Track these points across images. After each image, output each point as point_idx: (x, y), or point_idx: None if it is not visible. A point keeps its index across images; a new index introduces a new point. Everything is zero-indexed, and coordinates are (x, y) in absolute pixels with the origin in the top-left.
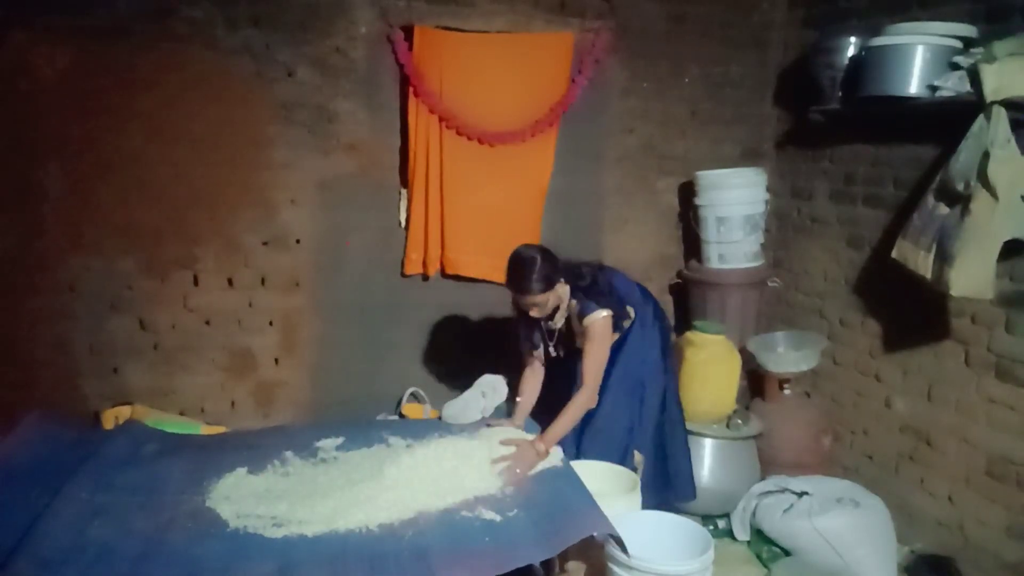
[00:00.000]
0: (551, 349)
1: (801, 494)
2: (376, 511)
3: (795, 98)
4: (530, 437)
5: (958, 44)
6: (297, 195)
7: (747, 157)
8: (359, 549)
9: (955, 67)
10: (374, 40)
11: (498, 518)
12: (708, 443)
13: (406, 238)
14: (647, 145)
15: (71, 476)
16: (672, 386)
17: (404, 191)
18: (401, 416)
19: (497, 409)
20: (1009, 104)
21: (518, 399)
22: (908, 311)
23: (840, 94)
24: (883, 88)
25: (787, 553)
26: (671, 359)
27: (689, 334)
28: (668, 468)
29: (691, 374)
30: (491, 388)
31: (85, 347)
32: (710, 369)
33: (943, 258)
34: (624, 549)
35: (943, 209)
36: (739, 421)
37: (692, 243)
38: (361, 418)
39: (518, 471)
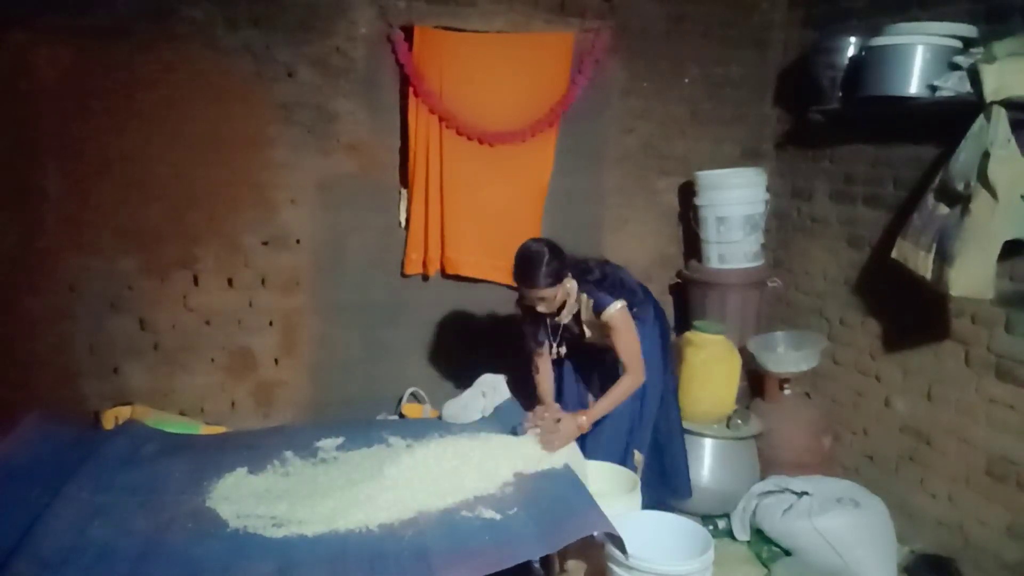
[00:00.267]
0: (554, 348)
1: (801, 494)
2: (376, 511)
3: (795, 98)
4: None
5: (958, 44)
6: (297, 195)
7: (747, 157)
8: (359, 549)
9: (955, 67)
10: (374, 40)
11: (498, 516)
12: (708, 443)
13: (406, 238)
14: (647, 145)
15: (71, 476)
16: (671, 385)
17: (404, 191)
18: (401, 416)
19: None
20: (1009, 104)
21: (541, 389)
22: (908, 311)
23: (840, 94)
24: (883, 88)
25: (787, 553)
26: (670, 358)
27: (689, 334)
28: (665, 466)
29: (691, 374)
30: (491, 388)
31: (85, 347)
32: (710, 369)
33: (943, 258)
34: (623, 549)
35: (943, 209)
36: (739, 421)
37: (692, 243)
38: (361, 418)
39: (556, 442)
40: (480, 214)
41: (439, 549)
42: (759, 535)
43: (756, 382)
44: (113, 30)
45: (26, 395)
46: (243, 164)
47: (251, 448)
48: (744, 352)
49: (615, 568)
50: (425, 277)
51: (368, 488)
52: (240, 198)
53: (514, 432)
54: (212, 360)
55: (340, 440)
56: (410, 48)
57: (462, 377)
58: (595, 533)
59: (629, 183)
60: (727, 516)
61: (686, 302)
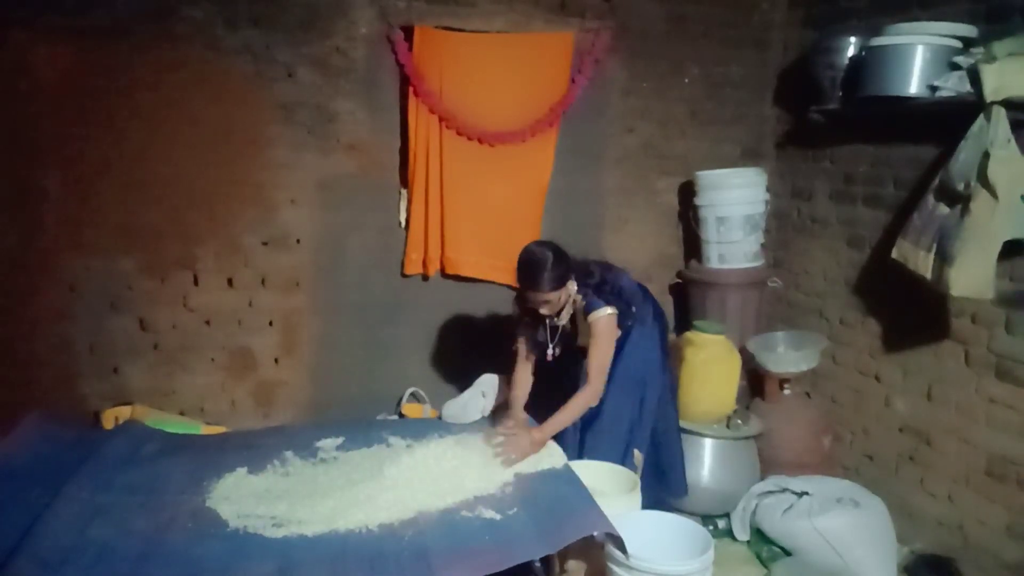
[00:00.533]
0: (551, 349)
1: (801, 494)
2: (376, 511)
3: (795, 98)
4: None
5: (958, 44)
6: (297, 195)
7: (747, 157)
8: (359, 549)
9: (955, 67)
10: (374, 40)
11: (498, 516)
12: (708, 443)
13: (406, 238)
14: (647, 145)
15: (71, 476)
16: (669, 384)
17: (404, 191)
18: (401, 416)
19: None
20: (1009, 104)
21: (514, 394)
22: (908, 311)
23: (840, 94)
24: (883, 88)
25: (787, 553)
26: (669, 358)
27: (689, 334)
28: (662, 465)
29: (691, 374)
30: (491, 388)
31: (85, 347)
32: (710, 369)
33: (943, 258)
34: (623, 549)
35: (943, 209)
36: (739, 421)
37: (692, 243)
38: (361, 418)
39: (513, 456)
40: (480, 214)
41: (439, 549)
42: (759, 535)
43: (756, 382)
44: (113, 30)
45: (26, 395)
46: (243, 164)
47: (251, 448)
48: (744, 352)
49: (615, 568)
50: (425, 277)
51: (368, 488)
52: (240, 198)
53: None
54: (212, 360)
55: (340, 440)
56: (410, 48)
57: (462, 377)
58: (595, 533)
59: (629, 183)
60: (727, 516)
61: (686, 302)
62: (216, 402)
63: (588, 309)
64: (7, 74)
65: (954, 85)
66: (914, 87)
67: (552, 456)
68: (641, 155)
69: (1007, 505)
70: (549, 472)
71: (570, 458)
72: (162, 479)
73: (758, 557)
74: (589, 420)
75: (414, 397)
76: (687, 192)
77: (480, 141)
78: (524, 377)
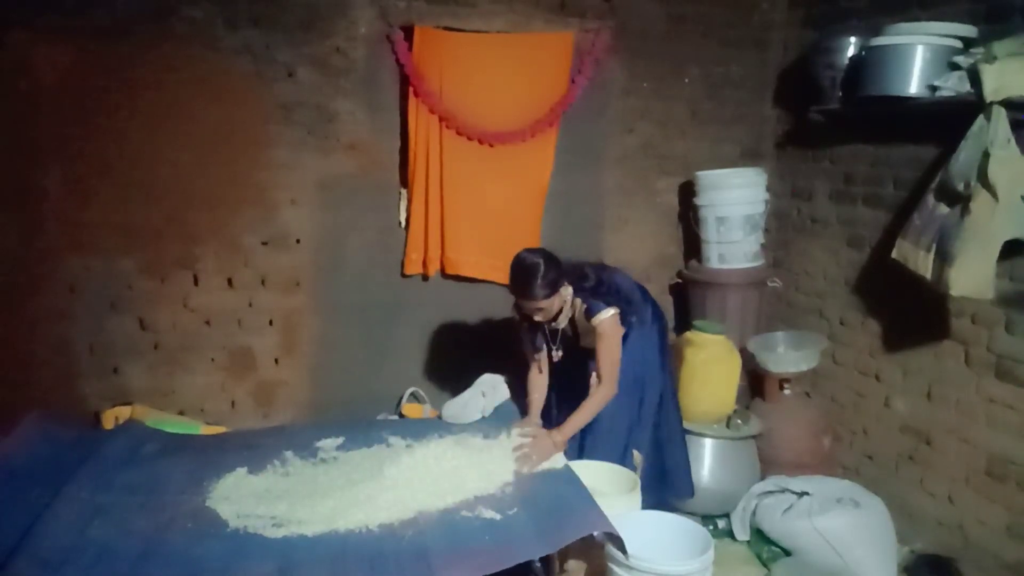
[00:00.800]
0: (553, 352)
1: (801, 494)
2: (376, 511)
3: (795, 98)
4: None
5: (958, 44)
6: (297, 195)
7: (747, 157)
8: (359, 549)
9: (955, 67)
10: (374, 40)
11: (498, 516)
12: (708, 443)
13: (406, 238)
14: (647, 145)
15: (71, 476)
16: (669, 385)
17: (404, 191)
18: (401, 416)
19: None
20: (1009, 104)
21: (531, 398)
22: (908, 311)
23: (840, 94)
24: (883, 88)
25: (787, 553)
26: (669, 358)
27: (689, 334)
28: (666, 466)
29: (691, 374)
30: (491, 388)
31: (85, 347)
32: (710, 369)
33: (943, 258)
34: (623, 549)
35: (943, 209)
36: (739, 421)
37: (692, 243)
38: (361, 418)
39: (534, 458)
40: (480, 214)
41: (439, 549)
42: (759, 535)
43: (756, 382)
44: (113, 30)
45: (26, 395)
46: (243, 164)
47: (251, 448)
48: (744, 352)
49: (615, 568)
50: (425, 277)
51: (368, 488)
52: (240, 198)
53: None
54: (212, 360)
55: (340, 440)
56: (410, 48)
57: (462, 377)
58: (595, 533)
59: (629, 183)
60: (727, 516)
61: (686, 302)
62: (216, 402)
63: (590, 313)
64: (7, 74)
65: (954, 85)
66: (914, 87)
67: (552, 458)
68: (641, 155)
69: (1007, 505)
70: (549, 472)
71: (569, 458)
72: (162, 479)
73: (758, 557)
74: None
75: (414, 397)
76: (687, 192)
77: (480, 141)
78: (539, 381)
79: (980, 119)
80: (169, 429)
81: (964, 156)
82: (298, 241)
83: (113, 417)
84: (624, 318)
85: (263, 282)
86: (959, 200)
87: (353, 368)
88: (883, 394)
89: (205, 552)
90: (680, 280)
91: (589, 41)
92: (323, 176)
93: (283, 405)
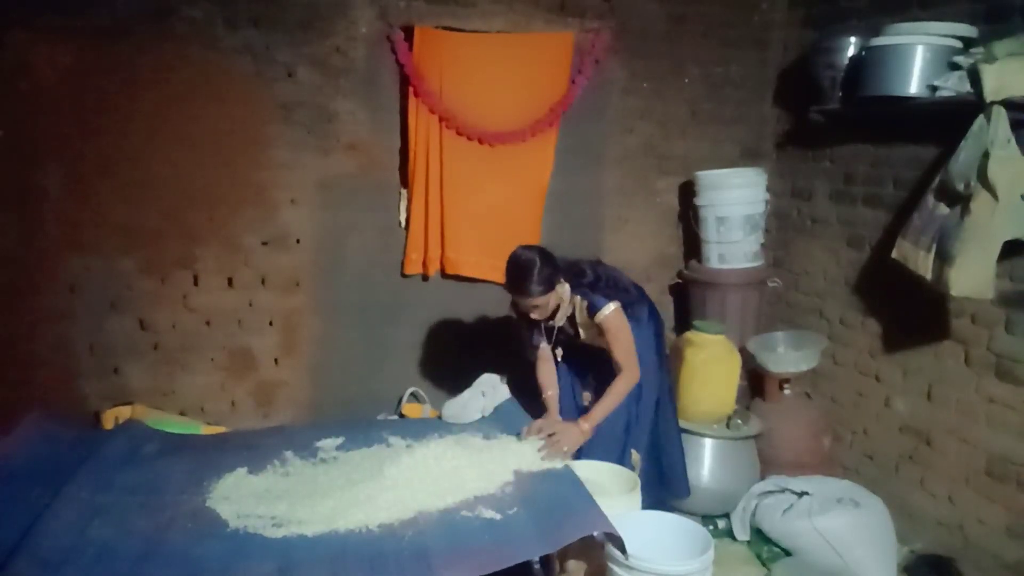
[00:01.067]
0: (551, 350)
1: (801, 494)
2: (376, 511)
3: (795, 98)
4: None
5: (958, 44)
6: (297, 195)
7: (747, 157)
8: (359, 549)
9: (955, 67)
10: (374, 40)
11: (498, 516)
12: (708, 443)
13: (406, 238)
14: (647, 145)
15: (71, 476)
16: (666, 385)
17: (404, 191)
18: (401, 416)
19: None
20: (1009, 104)
21: (547, 395)
22: (908, 311)
23: (840, 94)
24: (883, 88)
25: (787, 553)
26: (665, 358)
27: (689, 334)
28: (663, 466)
29: (691, 374)
30: (491, 387)
31: (85, 347)
32: (710, 369)
33: (943, 258)
34: (623, 549)
35: (943, 209)
36: (739, 421)
37: (692, 243)
38: (361, 418)
39: (565, 449)
40: (480, 214)
41: (439, 549)
42: (759, 535)
43: (756, 382)
44: (113, 30)
45: (26, 395)
46: (243, 164)
47: (251, 448)
48: (744, 352)
49: (615, 568)
50: (425, 277)
51: (368, 488)
52: (240, 198)
53: (517, 436)
54: (212, 360)
55: (340, 440)
56: (410, 48)
57: (462, 377)
58: (595, 533)
59: (629, 183)
60: (727, 516)
61: (686, 302)
62: (216, 402)
63: (592, 310)
64: (7, 74)
65: (954, 85)
66: (914, 87)
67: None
68: (641, 155)
69: (1007, 505)
70: (549, 472)
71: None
72: (162, 479)
73: (758, 557)
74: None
75: (414, 397)
76: (687, 192)
77: (480, 141)
78: (550, 376)
79: (980, 119)
80: (169, 429)
81: (964, 156)
82: (298, 241)
83: (113, 417)
84: (627, 310)
85: (263, 282)
86: (959, 200)
87: (353, 368)
88: (883, 394)
89: (205, 552)
90: (680, 280)
91: (589, 41)
92: (323, 176)
93: (283, 405)
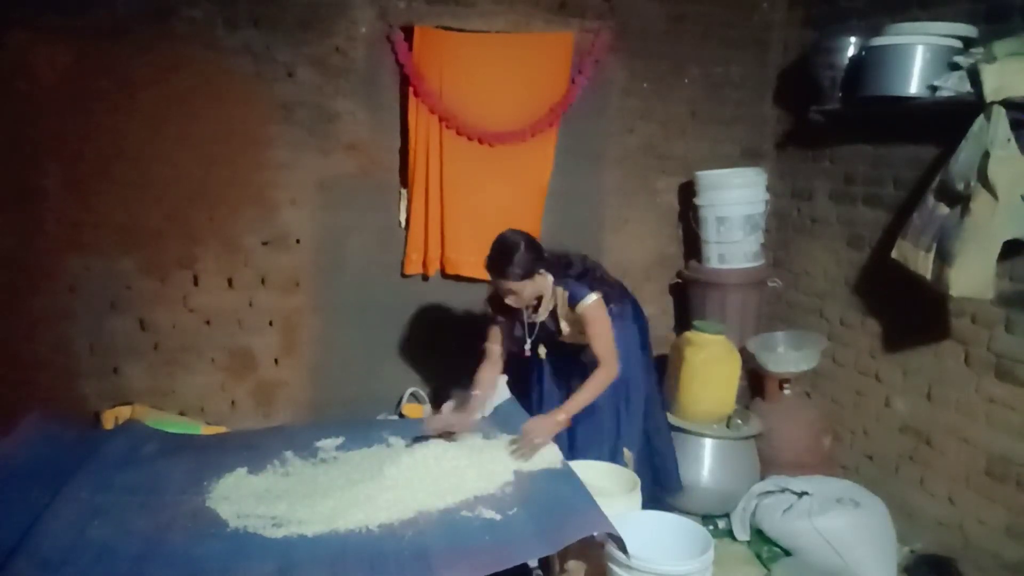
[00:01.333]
0: (528, 345)
1: (801, 494)
2: (376, 511)
3: (795, 98)
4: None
5: (958, 44)
6: (297, 195)
7: (747, 157)
8: (359, 549)
9: (955, 67)
10: (374, 40)
11: (498, 516)
12: (708, 443)
13: (406, 238)
14: (647, 145)
15: (71, 476)
16: (653, 380)
17: (404, 191)
18: (401, 416)
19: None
20: (1009, 104)
21: (474, 392)
22: (908, 311)
23: (840, 94)
24: (883, 88)
25: (787, 553)
26: (651, 357)
27: (689, 334)
28: (655, 463)
29: (691, 374)
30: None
31: (85, 347)
32: (710, 369)
33: (943, 258)
34: (624, 549)
35: (943, 209)
36: (739, 421)
37: (692, 243)
38: (361, 418)
39: (537, 441)
40: (480, 214)
41: (439, 549)
42: (759, 535)
43: (756, 382)
44: (113, 30)
45: (26, 395)
46: (243, 164)
47: (251, 448)
48: (744, 352)
49: (615, 568)
50: (425, 277)
51: (368, 488)
52: (240, 198)
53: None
54: (212, 360)
55: (340, 440)
56: (410, 48)
57: (462, 377)
58: (595, 533)
59: (629, 183)
60: (727, 516)
61: (686, 302)
62: (216, 402)
63: (573, 300)
64: (7, 74)
65: (954, 85)
66: (914, 87)
67: (551, 456)
68: (641, 155)
69: (1007, 505)
70: (549, 472)
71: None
72: (162, 479)
73: (758, 557)
74: (575, 423)
75: (414, 397)
76: (687, 192)
77: (480, 141)
78: (490, 376)
79: (980, 119)
80: (169, 429)
81: (964, 156)
82: (298, 241)
83: (113, 417)
84: (610, 303)
85: (263, 282)
86: (959, 200)
87: (353, 368)
88: (883, 394)
89: (205, 552)
90: (680, 280)
91: (589, 41)
92: (323, 176)
93: (283, 405)
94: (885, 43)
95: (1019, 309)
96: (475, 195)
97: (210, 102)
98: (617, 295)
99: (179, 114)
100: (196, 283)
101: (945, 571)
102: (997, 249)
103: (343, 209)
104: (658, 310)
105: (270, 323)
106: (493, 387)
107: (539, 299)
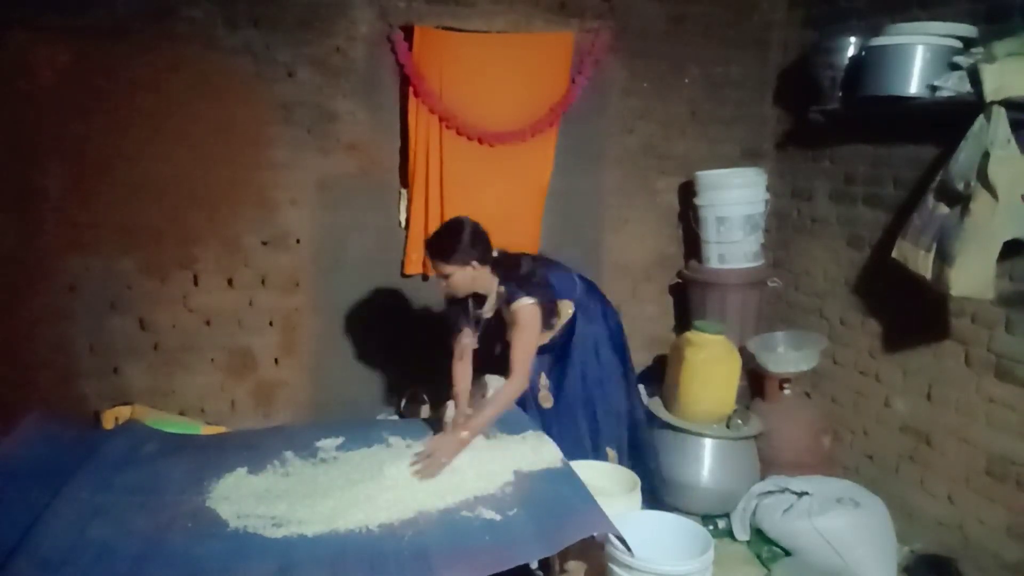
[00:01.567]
0: (475, 339)
1: (801, 494)
2: (376, 511)
3: (795, 98)
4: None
5: (958, 44)
6: (297, 195)
7: (747, 157)
8: (359, 549)
9: (955, 67)
10: (374, 40)
11: (498, 517)
12: (708, 443)
13: (406, 238)
14: (647, 145)
15: (71, 476)
16: (633, 378)
17: (404, 191)
18: (401, 416)
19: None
20: (1009, 104)
21: (456, 389)
22: (908, 311)
23: (840, 94)
24: (883, 88)
25: (787, 553)
26: (627, 352)
27: (689, 334)
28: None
29: (691, 374)
30: (494, 388)
31: (85, 347)
32: (710, 369)
33: (943, 258)
34: (628, 549)
35: (943, 209)
36: (739, 421)
37: (692, 243)
38: (361, 418)
39: (443, 460)
40: (480, 214)
41: (439, 549)
42: (759, 535)
43: (756, 382)
44: (113, 30)
45: (26, 395)
46: (243, 164)
47: (251, 448)
48: (744, 352)
49: (615, 568)
50: (425, 277)
51: (368, 488)
52: (240, 198)
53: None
54: (212, 360)
55: (340, 440)
56: (410, 48)
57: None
58: (595, 533)
59: (629, 183)
60: (727, 516)
61: (686, 302)
62: (216, 402)
63: (509, 300)
64: (7, 74)
65: (954, 85)
66: (914, 87)
67: (551, 455)
68: (641, 155)
69: (1007, 505)
70: (549, 472)
71: None
72: (162, 479)
73: (758, 557)
74: (549, 424)
75: (414, 397)
76: (687, 192)
77: (480, 141)
78: (464, 373)
79: (980, 119)
80: (169, 429)
81: (964, 156)
82: (298, 241)
83: (113, 417)
84: (546, 317)
85: (263, 282)
86: (959, 200)
87: (353, 368)
88: (883, 394)
89: (205, 552)
90: (680, 280)
91: (589, 41)
92: (323, 176)
93: (283, 405)
94: (885, 43)
95: (1019, 309)
96: (475, 195)
97: (210, 102)
98: (580, 295)
99: (179, 114)
100: (196, 283)
101: (945, 571)
102: (997, 249)
103: (343, 209)
104: (658, 310)
105: (270, 323)
106: (470, 381)
107: (484, 296)
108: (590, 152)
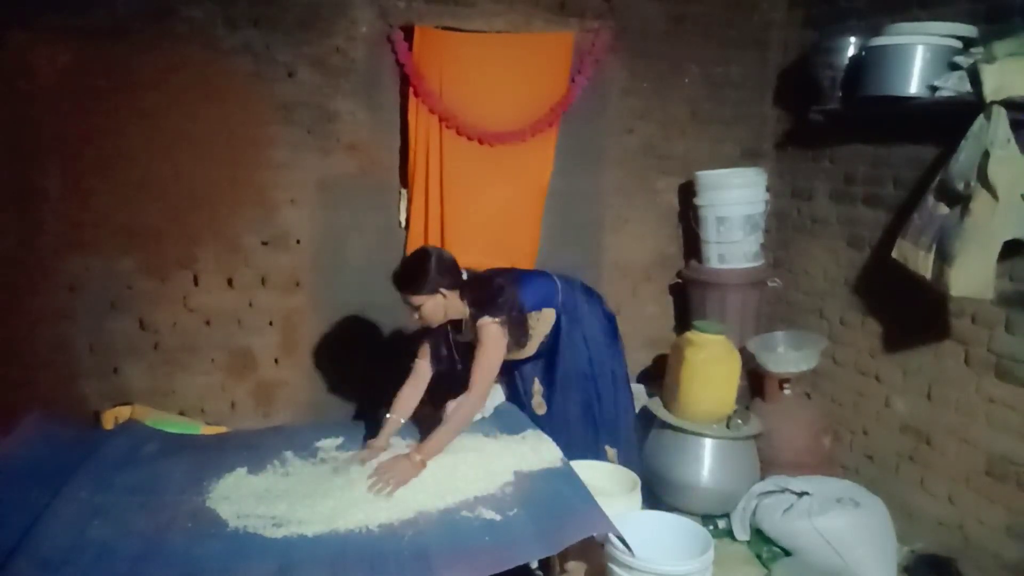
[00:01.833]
0: (458, 363)
1: (801, 494)
2: (376, 511)
3: (795, 98)
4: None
5: (958, 44)
6: (297, 195)
7: (747, 157)
8: (359, 549)
9: (955, 67)
10: (374, 40)
11: (498, 517)
12: (708, 443)
13: (406, 238)
14: (647, 145)
15: (71, 476)
16: (622, 374)
17: (404, 191)
18: None
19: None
20: (1009, 104)
21: (389, 416)
22: (908, 311)
23: (840, 94)
24: (883, 88)
25: (787, 553)
26: (621, 343)
27: (689, 334)
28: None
29: (691, 374)
30: (492, 389)
31: (85, 347)
32: (710, 369)
33: (943, 258)
34: (629, 549)
35: (943, 209)
36: (739, 421)
37: (692, 243)
38: (361, 418)
39: (392, 482)
40: (480, 214)
41: (439, 549)
42: (759, 535)
43: (756, 382)
44: (113, 30)
45: (26, 395)
46: (243, 164)
47: (251, 448)
48: (744, 352)
49: (615, 568)
50: None
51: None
52: (240, 198)
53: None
54: (212, 360)
55: (340, 440)
56: (410, 48)
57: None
58: (595, 534)
59: (629, 183)
60: (727, 516)
61: (686, 302)
62: (216, 402)
63: (475, 317)
64: (7, 74)
65: (954, 85)
66: (914, 87)
67: (551, 455)
68: (641, 155)
69: (1007, 505)
70: (549, 472)
71: None
72: (162, 479)
73: (758, 557)
74: (546, 427)
75: None
76: (687, 192)
77: (480, 141)
78: (411, 395)
79: (980, 119)
80: (169, 429)
81: (964, 156)
82: (298, 241)
83: (113, 417)
84: (515, 336)
85: (263, 282)
86: (959, 200)
87: (353, 368)
88: (883, 394)
89: (205, 552)
90: (680, 280)
91: (589, 41)
92: (323, 176)
93: (283, 405)
94: (885, 43)
95: (1019, 309)
96: (475, 195)
97: (210, 102)
98: (559, 300)
99: (179, 114)
100: (196, 283)
101: (945, 571)
102: (997, 249)
103: (343, 209)
104: (658, 310)
105: (270, 323)
106: (411, 409)
107: (458, 321)
108: (590, 152)
